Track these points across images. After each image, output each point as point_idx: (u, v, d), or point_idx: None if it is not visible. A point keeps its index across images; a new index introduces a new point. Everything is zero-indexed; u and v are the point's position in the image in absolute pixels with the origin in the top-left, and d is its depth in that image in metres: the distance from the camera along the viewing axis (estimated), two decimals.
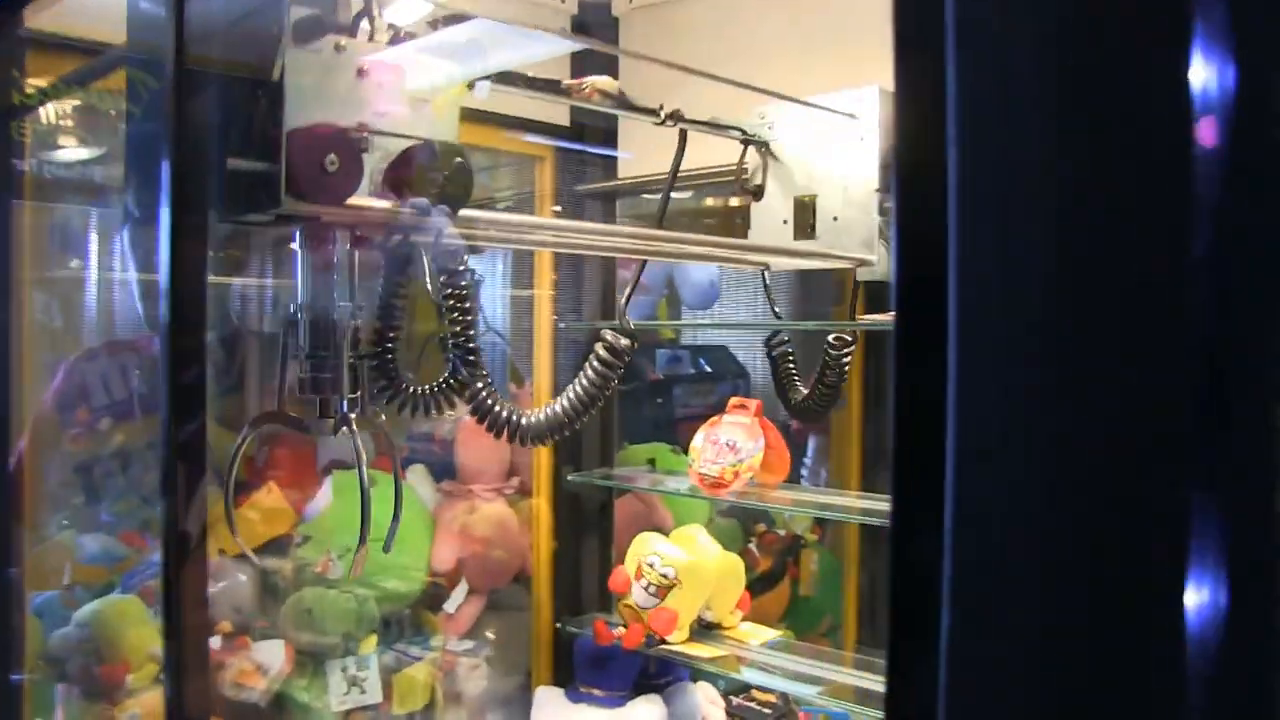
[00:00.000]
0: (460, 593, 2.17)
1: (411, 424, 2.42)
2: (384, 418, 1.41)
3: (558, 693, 2.10)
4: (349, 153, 1.16)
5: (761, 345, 1.96)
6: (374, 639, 2.12)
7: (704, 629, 2.03)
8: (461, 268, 1.34)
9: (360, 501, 1.35)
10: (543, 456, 2.13)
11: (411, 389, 1.44)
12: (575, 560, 2.17)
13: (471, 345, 1.39)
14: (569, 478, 2.12)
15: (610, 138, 2.15)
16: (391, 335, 1.42)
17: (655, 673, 2.13)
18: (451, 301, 1.35)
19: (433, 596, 2.21)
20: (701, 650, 1.95)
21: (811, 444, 2.72)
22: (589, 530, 2.19)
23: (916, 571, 0.55)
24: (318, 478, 2.23)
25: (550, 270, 2.16)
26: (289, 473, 2.31)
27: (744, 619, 2.08)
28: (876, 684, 1.84)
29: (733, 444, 1.89)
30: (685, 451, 2.14)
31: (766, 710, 2.22)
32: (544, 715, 2.09)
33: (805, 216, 1.77)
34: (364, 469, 1.34)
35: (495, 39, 1.34)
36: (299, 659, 2.06)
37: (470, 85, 1.35)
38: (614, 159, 2.15)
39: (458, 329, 1.38)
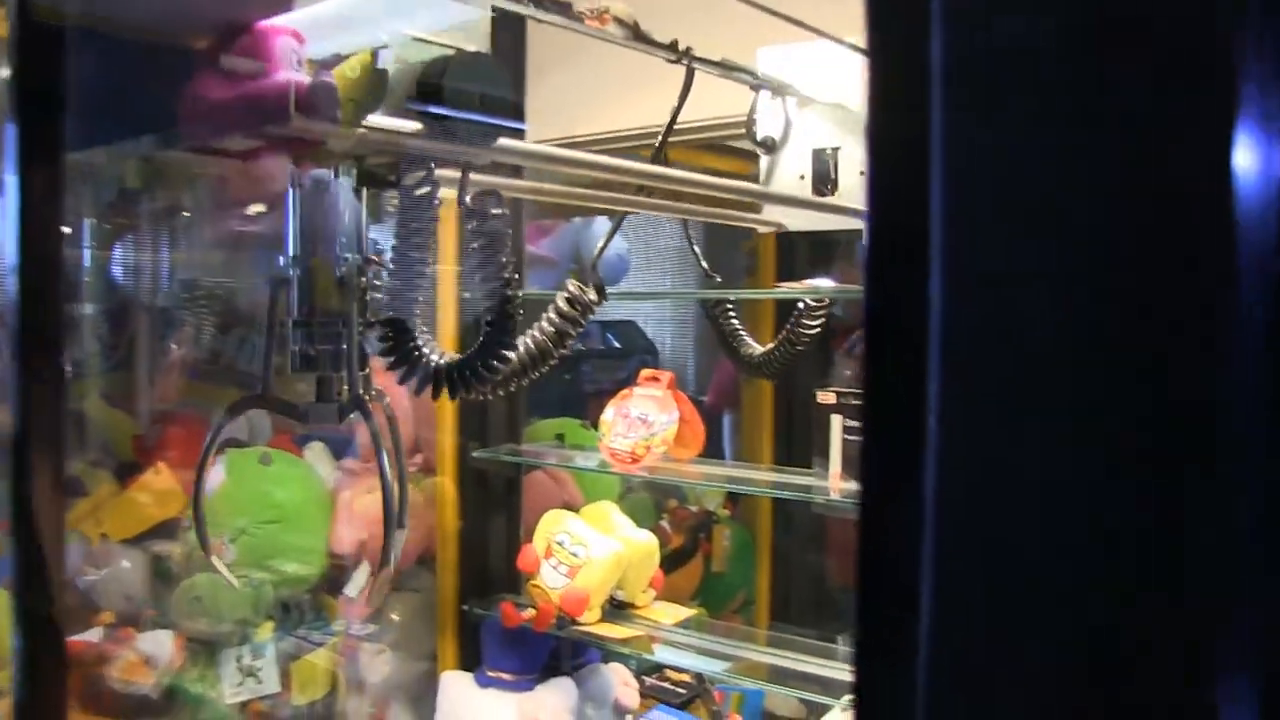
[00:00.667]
0: (362, 575, 2.08)
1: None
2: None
3: (465, 677, 2.03)
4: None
5: (670, 319, 1.91)
6: (270, 626, 2.03)
7: (616, 609, 1.97)
8: (497, 209, 1.10)
9: (384, 518, 1.15)
10: (447, 433, 2.05)
11: (435, 362, 1.17)
12: (482, 540, 2.10)
13: (515, 300, 1.13)
14: (474, 454, 2.04)
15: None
16: (410, 295, 1.15)
17: (566, 655, 2.07)
18: (485, 250, 1.12)
19: (333, 580, 2.12)
20: (613, 631, 1.90)
21: (727, 419, 2.68)
22: (496, 509, 2.11)
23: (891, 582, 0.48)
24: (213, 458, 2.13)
25: (455, 243, 2.07)
26: (183, 453, 2.20)
27: (657, 597, 2.02)
28: (790, 660, 1.80)
29: (644, 418, 1.83)
30: (595, 427, 2.08)
31: (681, 690, 2.17)
32: (451, 700, 2.01)
33: (825, 171, 1.67)
34: (385, 466, 1.12)
35: None
36: (191, 649, 1.96)
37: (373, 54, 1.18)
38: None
39: (498, 278, 1.13)
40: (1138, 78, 0.41)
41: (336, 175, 1.08)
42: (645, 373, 1.90)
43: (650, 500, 2.50)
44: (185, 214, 2.36)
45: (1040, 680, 0.44)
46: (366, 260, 1.09)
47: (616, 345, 3.18)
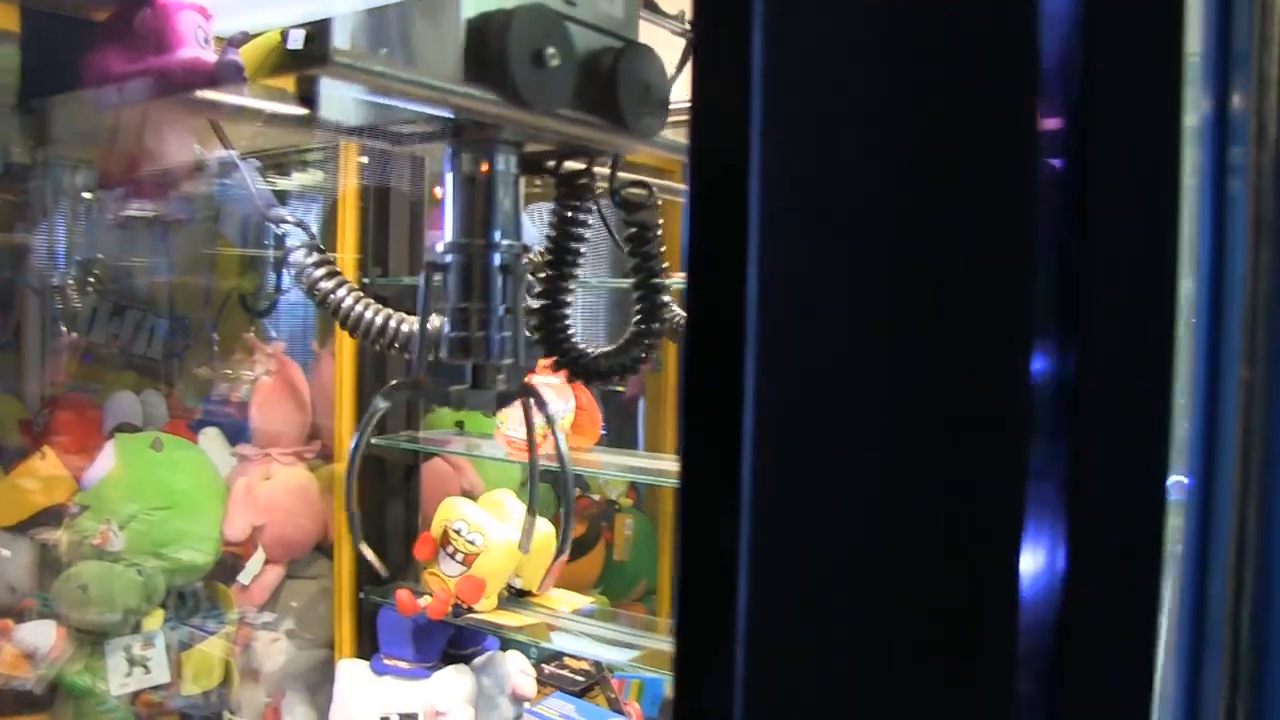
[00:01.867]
0: (256, 563, 2.05)
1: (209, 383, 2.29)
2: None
3: (362, 665, 2.01)
4: None
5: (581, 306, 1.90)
6: (160, 615, 1.99)
7: (514, 597, 1.97)
8: (647, 201, 1.08)
9: (529, 493, 1.15)
10: (345, 420, 2.02)
11: (587, 353, 1.15)
12: (379, 528, 2.07)
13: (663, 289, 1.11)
14: (372, 441, 2.02)
15: None
16: (564, 285, 1.13)
17: (464, 643, 2.06)
18: (637, 236, 1.11)
19: (227, 568, 2.08)
20: (510, 619, 1.89)
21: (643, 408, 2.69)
22: (394, 496, 2.09)
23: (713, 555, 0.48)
24: (102, 443, 2.08)
25: (356, 225, 2.04)
26: (73, 438, 2.15)
27: (555, 586, 2.02)
28: None
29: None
30: (494, 415, 2.07)
31: (579, 678, 2.17)
32: (347, 689, 1.99)
33: None
34: (535, 454, 1.11)
35: None
36: (76, 640, 1.92)
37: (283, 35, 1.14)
38: None
39: (646, 270, 1.11)
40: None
41: (496, 161, 1.06)
42: (543, 360, 1.89)
43: (550, 490, 2.49)
44: (79, 192, 2.30)
45: (852, 660, 0.44)
46: (525, 248, 1.08)
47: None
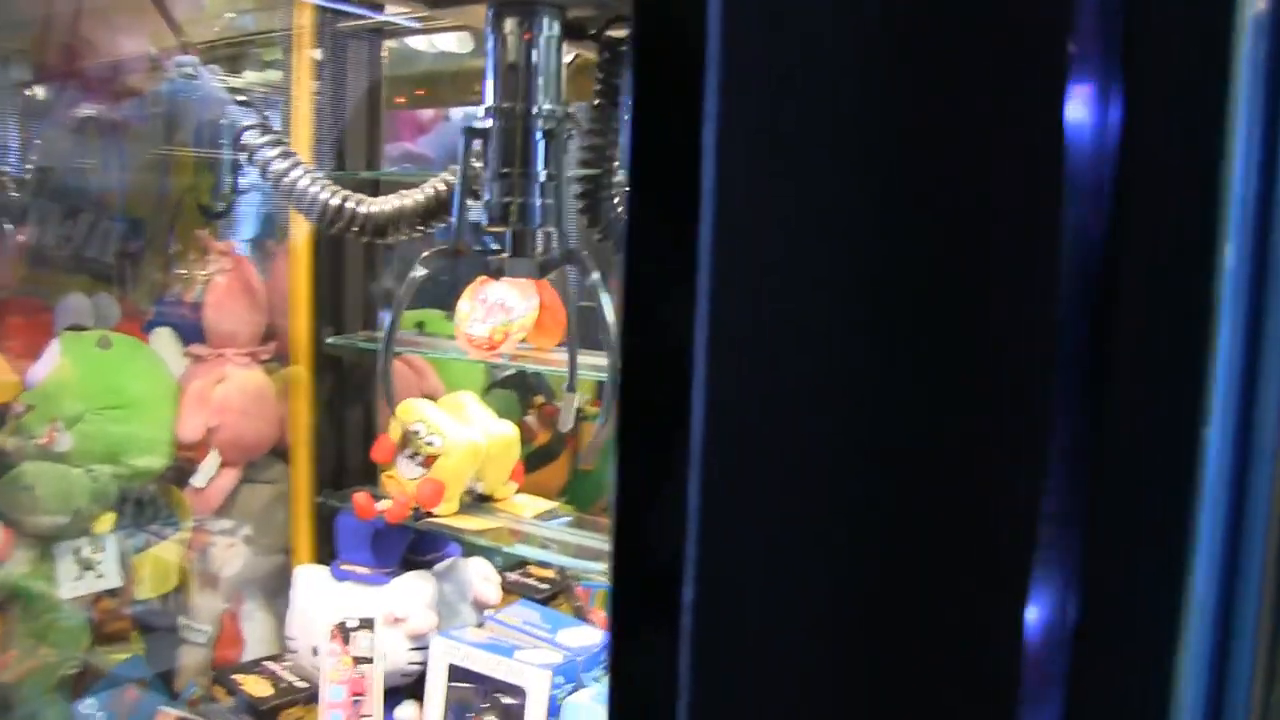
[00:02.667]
0: (211, 465, 2.00)
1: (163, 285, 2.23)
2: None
3: (321, 571, 1.97)
4: None
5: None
6: (111, 518, 1.94)
7: (475, 501, 1.93)
8: None
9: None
10: (301, 319, 1.96)
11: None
12: (337, 430, 2.03)
13: None
14: (329, 340, 1.96)
15: None
16: (611, 154, 1.13)
17: (425, 548, 2.02)
18: None
19: (180, 471, 2.03)
20: (472, 523, 1.86)
21: None
22: (352, 398, 2.04)
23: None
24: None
25: (310, 123, 1.96)
26: (22, 341, 2.09)
27: (518, 491, 1.98)
28: None
29: (503, 303, 1.77)
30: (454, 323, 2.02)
31: (544, 585, 2.15)
32: (305, 595, 1.96)
33: None
34: (610, 315, 1.09)
35: None
36: (23, 542, 1.87)
37: None
38: None
39: None
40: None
41: (540, 26, 1.02)
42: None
43: (515, 396, 2.44)
44: (16, 87, 2.22)
45: (811, 634, 0.39)
46: (568, 114, 1.05)
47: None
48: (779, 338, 0.38)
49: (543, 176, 1.02)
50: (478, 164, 1.08)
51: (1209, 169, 0.35)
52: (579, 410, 2.49)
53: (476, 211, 1.09)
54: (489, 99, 1.02)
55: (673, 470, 0.39)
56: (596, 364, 1.97)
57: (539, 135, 1.02)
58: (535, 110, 1.01)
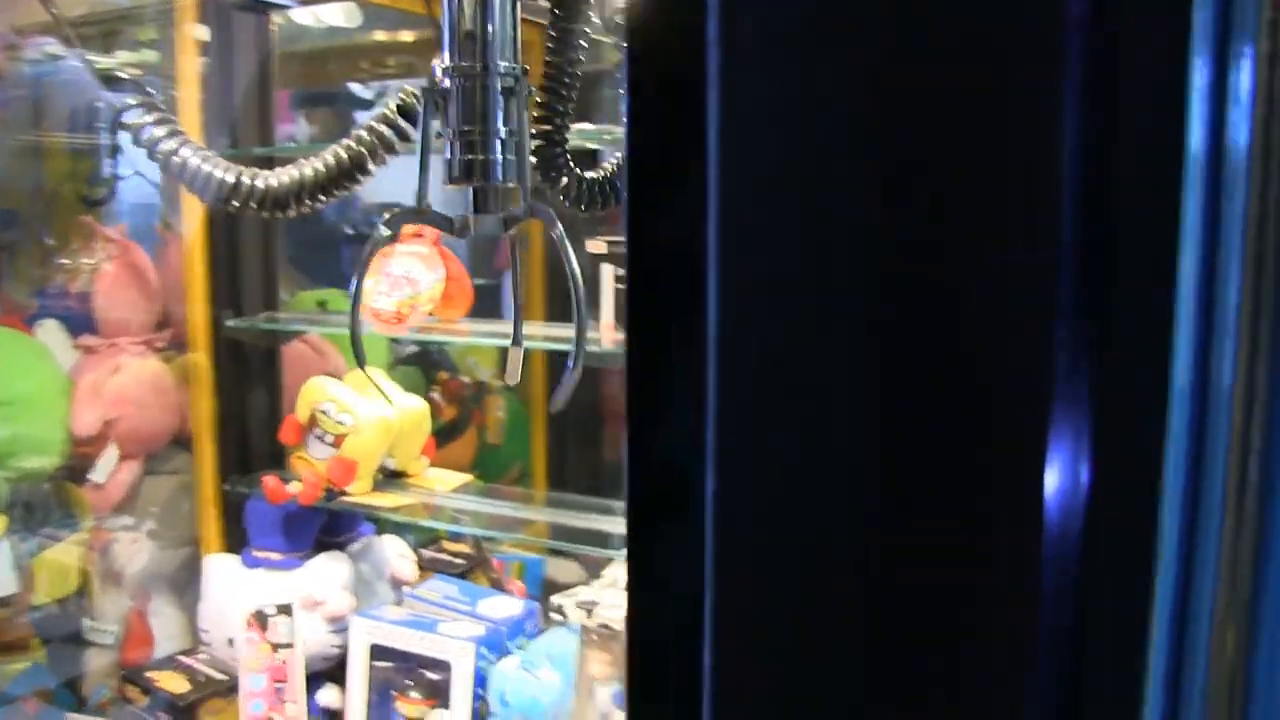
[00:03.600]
0: (110, 460, 1.94)
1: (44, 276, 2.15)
2: None
3: (231, 560, 1.93)
4: None
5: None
6: (4, 521, 1.87)
7: (388, 479, 1.91)
8: None
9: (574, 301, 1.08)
10: (198, 304, 1.91)
11: (583, 176, 1.17)
12: (241, 415, 1.98)
13: None
14: (229, 323, 1.91)
15: None
16: (561, 108, 1.14)
17: (338, 529, 1.99)
18: None
19: (77, 468, 1.97)
20: (386, 500, 1.83)
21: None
22: (254, 382, 1.99)
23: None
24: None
25: (197, 101, 1.90)
26: None
27: (430, 466, 1.97)
28: (569, 518, 1.78)
29: (409, 275, 1.74)
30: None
31: (459, 560, 2.13)
32: (217, 586, 1.91)
33: None
34: (574, 266, 1.07)
35: None
36: None
37: None
38: None
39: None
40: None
41: None
42: (408, 228, 1.81)
43: (419, 372, 2.42)
44: None
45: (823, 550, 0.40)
46: (525, 70, 1.04)
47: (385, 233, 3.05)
48: (790, 234, 0.38)
49: (503, 133, 1.03)
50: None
51: None
52: (484, 384, 2.49)
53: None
54: (446, 59, 1.03)
55: (690, 366, 0.39)
56: (504, 332, 1.96)
57: (498, 93, 1.02)
58: (493, 68, 1.02)
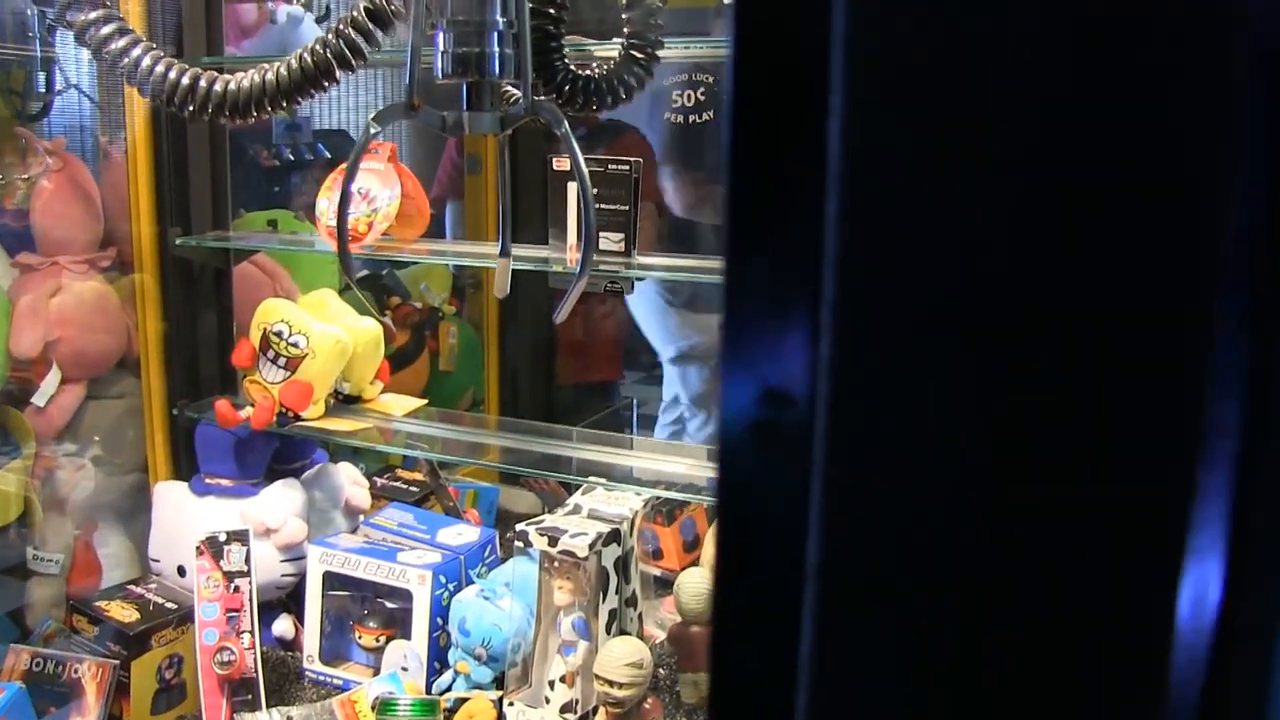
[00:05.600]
0: (51, 383, 1.87)
1: None
2: None
3: (180, 487, 1.88)
4: None
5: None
6: None
7: (342, 403, 1.87)
8: None
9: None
10: (144, 221, 1.84)
11: (582, 73, 1.13)
12: (190, 338, 1.92)
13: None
14: (177, 241, 1.84)
15: None
16: (559, 3, 1.09)
17: (290, 456, 1.95)
18: None
19: (18, 392, 1.90)
20: (340, 425, 1.79)
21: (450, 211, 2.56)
22: (204, 304, 1.93)
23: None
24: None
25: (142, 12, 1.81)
26: None
27: (384, 390, 1.92)
28: (529, 447, 1.76)
29: (365, 192, 1.69)
30: (310, 220, 1.93)
31: (413, 489, 2.10)
32: (167, 513, 1.87)
33: None
34: (582, 166, 1.03)
35: None
36: None
37: None
38: None
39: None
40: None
41: None
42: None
43: (371, 297, 2.36)
44: None
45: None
46: None
47: (328, 156, 2.98)
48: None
49: (501, 25, 0.97)
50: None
51: None
52: (437, 310, 2.44)
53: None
54: None
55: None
56: (461, 250, 1.92)
57: None
58: None
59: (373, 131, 1.05)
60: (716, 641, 0.40)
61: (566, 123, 1.00)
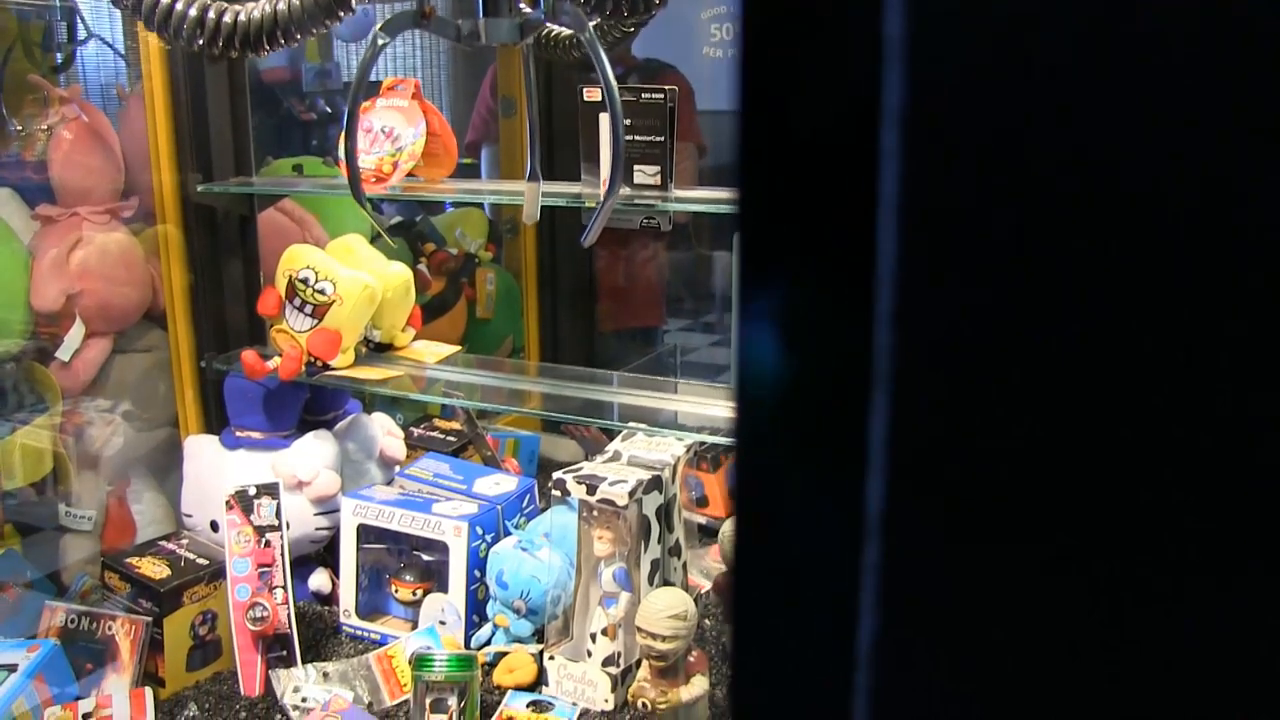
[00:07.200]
0: (76, 336, 1.82)
1: None
2: None
3: (211, 441, 1.83)
4: None
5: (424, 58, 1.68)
6: None
7: (373, 351, 1.81)
8: None
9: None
10: (166, 171, 1.78)
11: None
12: (216, 287, 1.86)
13: None
14: (200, 188, 1.78)
15: None
16: None
17: (322, 407, 1.90)
18: None
19: (45, 349, 1.86)
20: (371, 373, 1.73)
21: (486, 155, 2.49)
22: (229, 253, 1.88)
23: None
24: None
25: None
26: None
27: (416, 337, 1.86)
28: (561, 393, 1.69)
29: (389, 130, 1.62)
30: (336, 164, 1.86)
31: (451, 438, 2.04)
32: (198, 467, 1.82)
33: None
34: (609, 75, 0.97)
35: None
36: None
37: None
38: None
39: None
40: None
41: None
42: (388, 80, 1.68)
43: (404, 244, 2.30)
44: None
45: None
46: None
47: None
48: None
49: None
50: None
51: None
52: (473, 256, 2.37)
53: None
54: None
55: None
56: (496, 188, 1.84)
57: None
58: None
59: (380, 42, 0.98)
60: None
61: (591, 27, 0.92)
